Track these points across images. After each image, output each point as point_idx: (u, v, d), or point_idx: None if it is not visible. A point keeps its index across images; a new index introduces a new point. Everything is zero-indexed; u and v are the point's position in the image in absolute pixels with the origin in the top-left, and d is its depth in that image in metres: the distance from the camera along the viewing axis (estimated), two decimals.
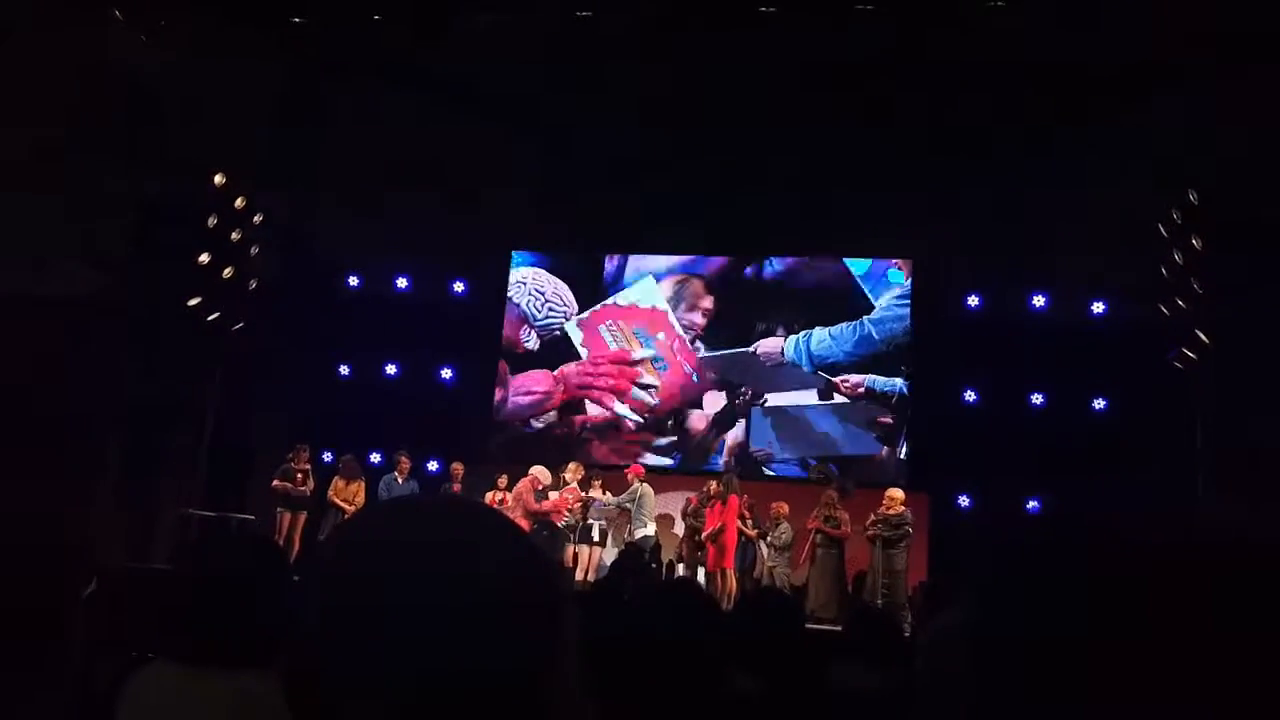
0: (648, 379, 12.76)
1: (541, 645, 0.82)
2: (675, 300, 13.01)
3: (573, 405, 13.05)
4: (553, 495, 11.30)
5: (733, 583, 10.49)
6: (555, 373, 13.10)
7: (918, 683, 2.41)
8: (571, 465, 11.63)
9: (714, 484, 10.90)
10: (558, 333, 13.24)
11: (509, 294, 13.40)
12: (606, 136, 11.41)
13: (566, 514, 11.19)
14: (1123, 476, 10.73)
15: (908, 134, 10.87)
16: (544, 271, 13.47)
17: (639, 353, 12.76)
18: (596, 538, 11.09)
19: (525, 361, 13.25)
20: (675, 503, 11.76)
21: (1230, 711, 0.72)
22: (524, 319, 13.34)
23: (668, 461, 12.56)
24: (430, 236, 12.78)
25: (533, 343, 13.30)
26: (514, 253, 13.53)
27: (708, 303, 12.96)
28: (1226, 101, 8.97)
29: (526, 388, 13.20)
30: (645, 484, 11.10)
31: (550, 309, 13.32)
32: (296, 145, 11.86)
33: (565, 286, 13.33)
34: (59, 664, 2.28)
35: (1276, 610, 0.73)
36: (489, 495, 11.39)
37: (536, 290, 13.39)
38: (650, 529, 10.90)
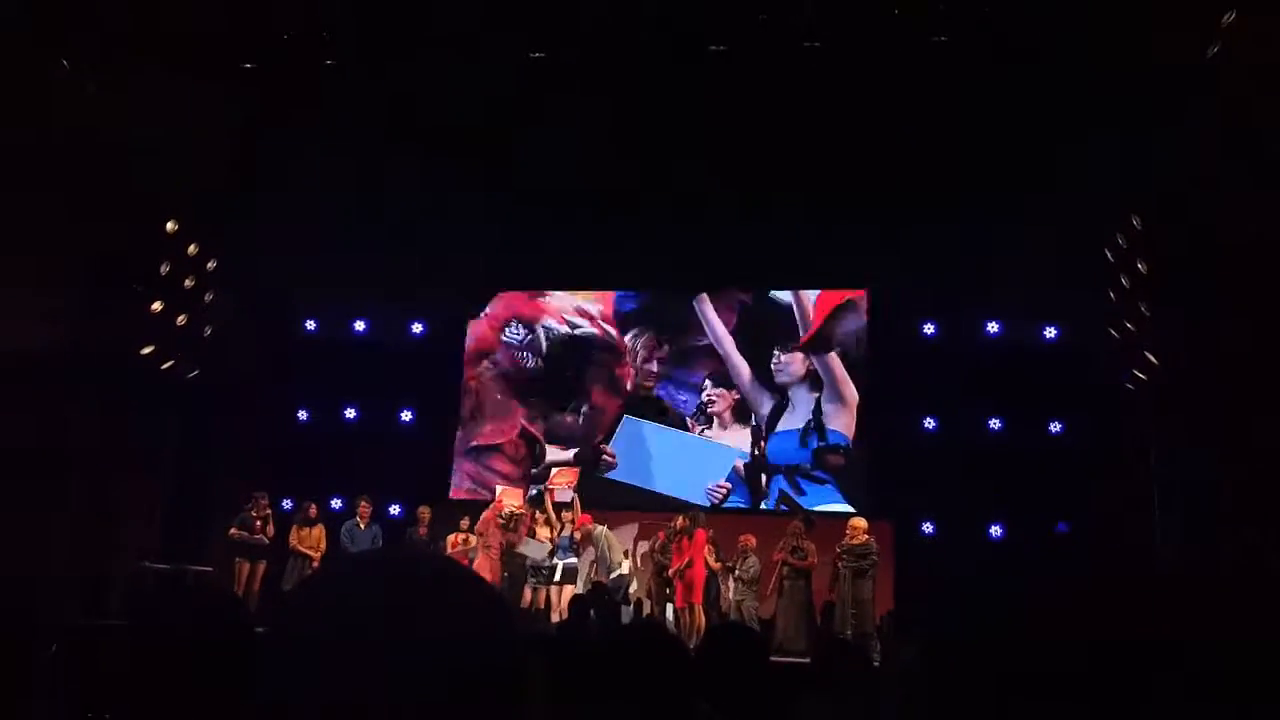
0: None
1: (503, 695, 0.83)
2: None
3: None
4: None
5: (700, 618, 10.45)
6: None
7: (884, 714, 2.43)
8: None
9: (680, 519, 10.88)
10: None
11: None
12: (561, 173, 11.46)
13: (531, 540, 11.07)
14: (1081, 498, 10.90)
15: (859, 166, 11.03)
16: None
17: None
18: (559, 577, 10.98)
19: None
20: (630, 537, 11.77)
21: None
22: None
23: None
24: (387, 279, 12.73)
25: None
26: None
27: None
28: (1167, 127, 9.21)
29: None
30: (600, 527, 11.06)
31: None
32: (249, 190, 11.80)
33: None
34: None
35: None
36: (450, 537, 11.28)
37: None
38: (624, 568, 10.85)
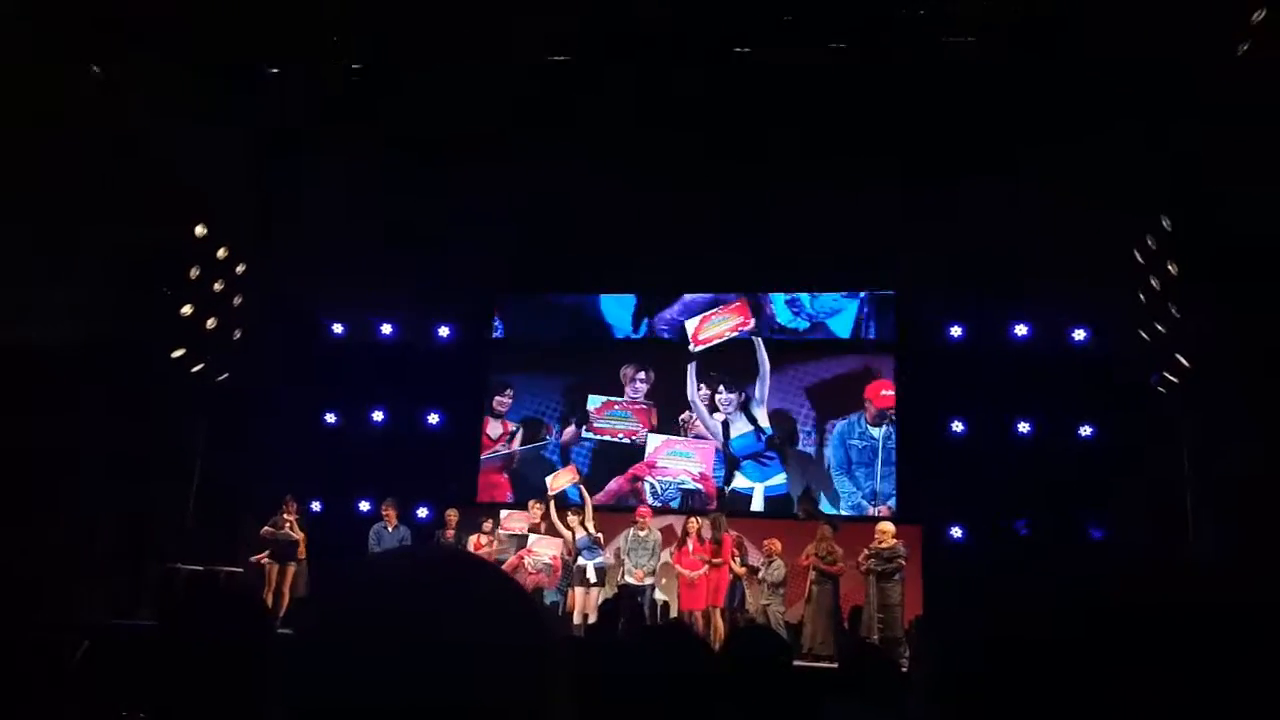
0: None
1: (533, 696, 0.83)
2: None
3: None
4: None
5: (720, 622, 10.44)
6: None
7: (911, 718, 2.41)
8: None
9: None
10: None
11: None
12: (583, 177, 11.48)
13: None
14: (1112, 502, 10.79)
15: (886, 166, 10.98)
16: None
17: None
18: (593, 579, 10.99)
19: None
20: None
21: None
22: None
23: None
24: (413, 282, 12.80)
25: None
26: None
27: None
28: (1196, 126, 9.10)
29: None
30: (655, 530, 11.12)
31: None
32: (278, 193, 11.90)
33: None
34: None
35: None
36: (472, 539, 11.33)
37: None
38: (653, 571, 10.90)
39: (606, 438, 12.81)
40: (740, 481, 12.29)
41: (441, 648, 0.80)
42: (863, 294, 12.80)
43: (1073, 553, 10.75)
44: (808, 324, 12.87)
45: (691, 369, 12.69)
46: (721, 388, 12.61)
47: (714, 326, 12.76)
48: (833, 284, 12.82)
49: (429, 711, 0.78)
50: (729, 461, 12.44)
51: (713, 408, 12.63)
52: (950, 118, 10.37)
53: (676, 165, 11.15)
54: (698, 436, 12.58)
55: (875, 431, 12.26)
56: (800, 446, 12.45)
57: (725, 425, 12.57)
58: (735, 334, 12.69)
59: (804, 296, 12.89)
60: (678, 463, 12.54)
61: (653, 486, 12.39)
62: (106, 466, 10.57)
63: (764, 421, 12.51)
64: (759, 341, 12.68)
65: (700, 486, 12.21)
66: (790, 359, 12.75)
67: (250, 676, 1.70)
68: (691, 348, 12.72)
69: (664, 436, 12.57)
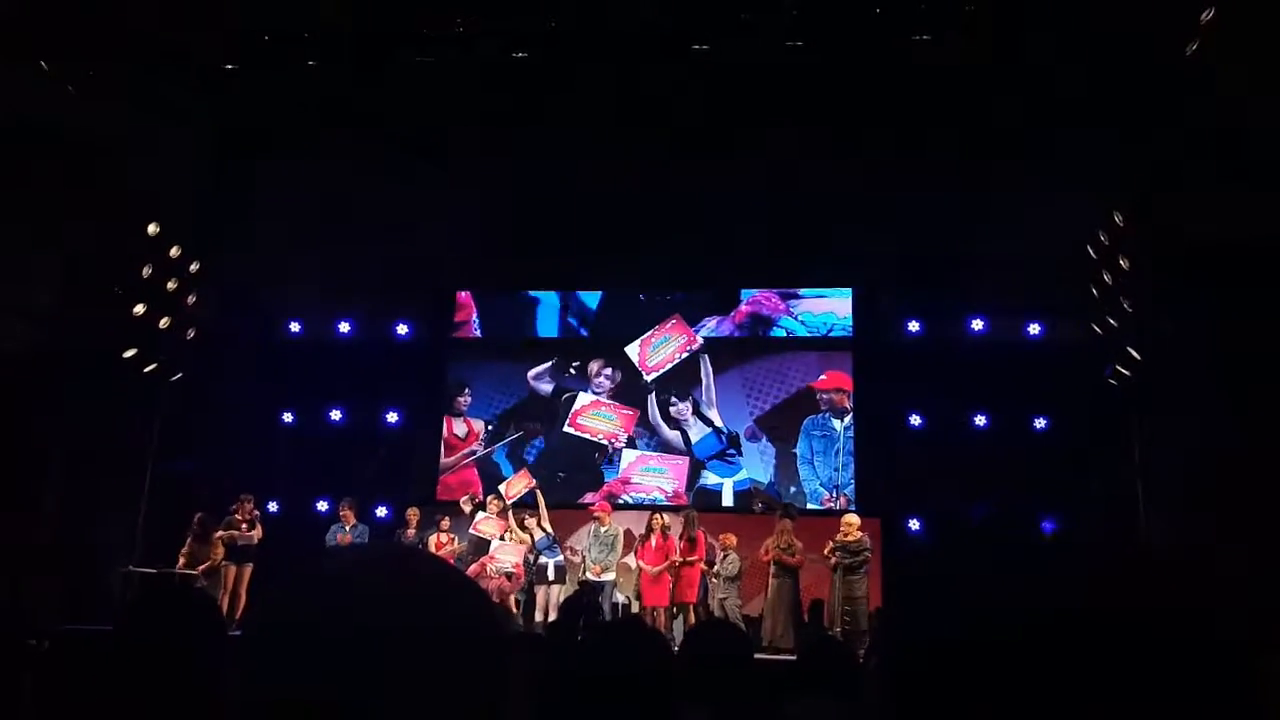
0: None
1: (487, 694, 0.82)
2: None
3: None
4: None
5: (694, 619, 10.45)
6: None
7: (867, 711, 2.43)
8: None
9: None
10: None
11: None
12: (544, 172, 11.46)
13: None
14: (1066, 493, 10.96)
15: (843, 165, 11.07)
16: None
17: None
18: (552, 576, 10.97)
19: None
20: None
21: None
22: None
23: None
24: (371, 279, 12.69)
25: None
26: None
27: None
28: (1149, 124, 9.26)
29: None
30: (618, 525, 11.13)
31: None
32: (231, 191, 11.75)
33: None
34: None
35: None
36: (433, 538, 11.26)
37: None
38: (613, 569, 10.88)
39: (586, 436, 12.77)
40: (710, 478, 12.36)
41: (400, 643, 0.79)
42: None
43: (1025, 544, 10.88)
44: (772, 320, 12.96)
45: (651, 398, 12.76)
46: (674, 397, 12.68)
47: (660, 352, 12.84)
48: (795, 281, 12.89)
49: (385, 708, 0.77)
50: (694, 465, 12.51)
51: (670, 422, 12.68)
52: (908, 115, 10.48)
53: (638, 162, 11.17)
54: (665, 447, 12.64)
55: (836, 424, 12.37)
56: (763, 443, 12.52)
57: (684, 434, 12.61)
58: (684, 354, 12.78)
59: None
60: (651, 479, 12.57)
61: (627, 504, 12.35)
62: (57, 468, 10.39)
63: (718, 421, 12.58)
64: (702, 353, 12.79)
65: (673, 504, 12.11)
66: (749, 357, 12.81)
67: (205, 679, 1.68)
68: (647, 377, 12.77)
69: (638, 452, 12.61)
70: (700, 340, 12.83)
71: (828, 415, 12.45)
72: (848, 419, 12.37)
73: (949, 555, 11.04)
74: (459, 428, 13.16)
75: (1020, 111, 10.01)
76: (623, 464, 12.63)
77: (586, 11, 9.68)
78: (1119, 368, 10.46)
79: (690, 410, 12.66)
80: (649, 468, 12.55)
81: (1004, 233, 10.38)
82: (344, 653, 0.78)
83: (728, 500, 12.32)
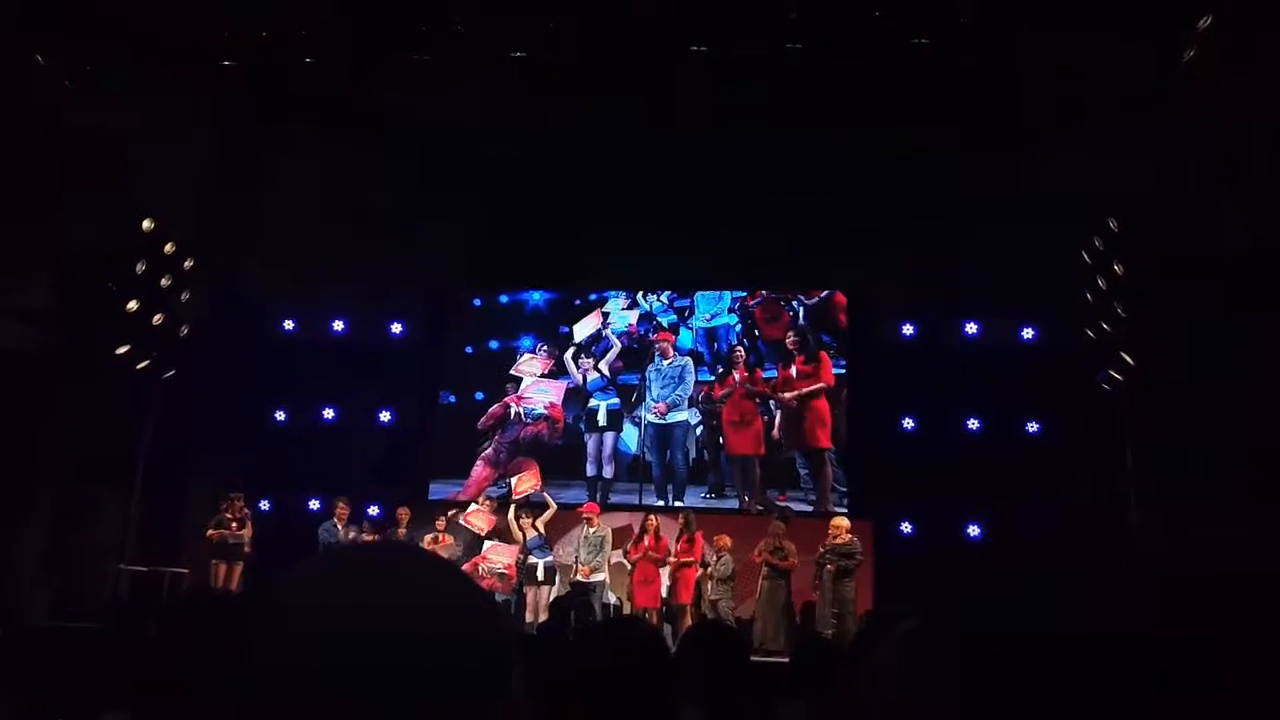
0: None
1: (486, 692, 0.82)
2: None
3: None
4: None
5: (689, 620, 10.46)
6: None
7: (857, 711, 2.43)
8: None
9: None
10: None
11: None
12: (541, 174, 11.46)
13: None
14: (1057, 497, 10.97)
15: (838, 168, 11.08)
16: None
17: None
18: (542, 577, 10.98)
19: None
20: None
21: None
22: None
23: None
24: (365, 278, 12.67)
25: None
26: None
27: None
28: (1143, 129, 9.29)
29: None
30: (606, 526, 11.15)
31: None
32: (227, 188, 11.71)
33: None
34: None
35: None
36: (427, 538, 11.25)
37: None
38: (603, 569, 10.90)
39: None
40: (592, 403, 13.16)
41: (397, 642, 0.79)
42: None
43: (1019, 550, 10.91)
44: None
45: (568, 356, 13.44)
46: (583, 356, 13.38)
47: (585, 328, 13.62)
48: (787, 284, 12.90)
49: (383, 709, 0.77)
50: (583, 396, 13.19)
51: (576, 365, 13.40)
52: (904, 120, 10.50)
53: (629, 164, 11.16)
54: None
55: (664, 363, 13.12)
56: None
57: (584, 375, 13.34)
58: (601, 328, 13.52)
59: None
60: (540, 395, 13.24)
61: (518, 412, 13.10)
62: (48, 465, 10.35)
63: (607, 371, 13.33)
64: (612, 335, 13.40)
65: (549, 413, 13.05)
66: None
67: (201, 676, 1.67)
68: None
69: (535, 376, 13.43)
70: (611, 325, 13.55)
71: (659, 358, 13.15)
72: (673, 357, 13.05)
73: (939, 559, 11.04)
74: (534, 366, 13.45)
75: (1016, 115, 10.03)
76: (522, 384, 13.34)
77: (586, 11, 9.68)
78: (1112, 372, 10.49)
79: (591, 366, 13.33)
80: (539, 389, 13.34)
81: (999, 236, 10.39)
82: (344, 652, 0.78)
83: (602, 419, 12.95)
